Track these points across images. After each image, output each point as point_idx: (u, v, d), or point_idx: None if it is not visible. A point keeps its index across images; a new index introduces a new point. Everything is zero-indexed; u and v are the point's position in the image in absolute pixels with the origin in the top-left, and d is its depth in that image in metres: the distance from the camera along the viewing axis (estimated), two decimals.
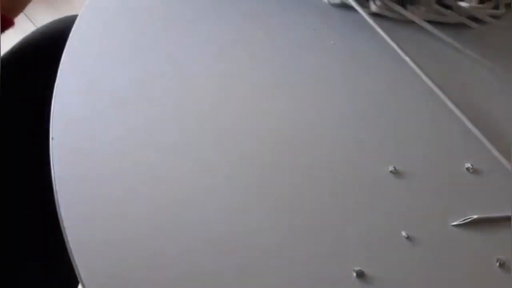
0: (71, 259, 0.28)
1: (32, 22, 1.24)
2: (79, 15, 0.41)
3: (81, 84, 0.36)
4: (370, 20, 0.36)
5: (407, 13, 0.37)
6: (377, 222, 0.31)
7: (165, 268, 0.28)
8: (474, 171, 0.33)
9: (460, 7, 0.39)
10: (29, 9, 1.20)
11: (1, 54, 0.44)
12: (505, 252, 0.30)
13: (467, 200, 0.32)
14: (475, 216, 0.31)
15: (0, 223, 0.42)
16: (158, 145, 0.33)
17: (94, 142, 0.33)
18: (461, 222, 0.31)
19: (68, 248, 0.28)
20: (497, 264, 0.29)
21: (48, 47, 0.39)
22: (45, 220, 0.38)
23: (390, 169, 0.33)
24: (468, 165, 0.33)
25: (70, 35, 0.39)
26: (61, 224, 0.29)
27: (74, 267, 0.28)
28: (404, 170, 0.33)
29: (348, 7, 0.38)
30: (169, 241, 0.29)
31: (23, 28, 1.17)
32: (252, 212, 0.30)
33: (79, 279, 0.27)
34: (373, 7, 0.38)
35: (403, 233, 0.30)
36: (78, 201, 0.30)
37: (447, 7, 0.39)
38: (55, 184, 0.30)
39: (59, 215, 0.30)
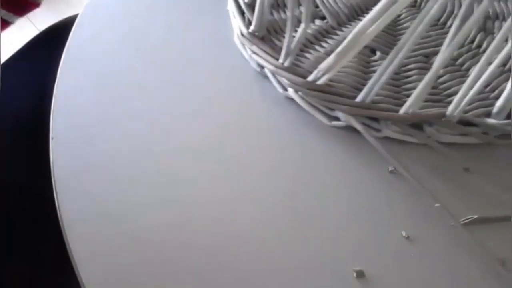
0: (71, 258, 0.28)
1: (31, 22, 1.24)
2: (79, 14, 0.41)
3: (81, 83, 0.36)
4: (379, 147, 0.33)
5: (426, 139, 0.33)
6: (377, 221, 0.31)
7: (165, 268, 0.28)
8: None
9: (487, 124, 0.33)
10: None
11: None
12: (505, 252, 0.30)
13: (467, 199, 0.32)
14: (475, 216, 0.31)
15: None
16: (158, 143, 0.33)
17: (94, 141, 0.33)
18: (461, 222, 0.31)
19: (68, 248, 0.28)
20: (498, 264, 0.29)
21: (52, 47, 0.39)
22: (44, 220, 0.38)
23: (390, 169, 0.33)
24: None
25: (70, 34, 0.39)
26: (61, 224, 0.29)
27: (74, 267, 0.28)
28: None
29: (354, 131, 0.34)
30: (170, 240, 0.29)
31: (22, 27, 1.18)
32: (252, 210, 0.31)
33: (79, 279, 0.28)
34: (387, 132, 0.34)
35: (403, 233, 0.30)
36: (78, 200, 0.30)
37: (470, 124, 0.34)
38: (55, 186, 0.31)
39: (59, 215, 0.30)
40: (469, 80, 0.31)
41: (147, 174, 0.32)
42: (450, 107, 0.33)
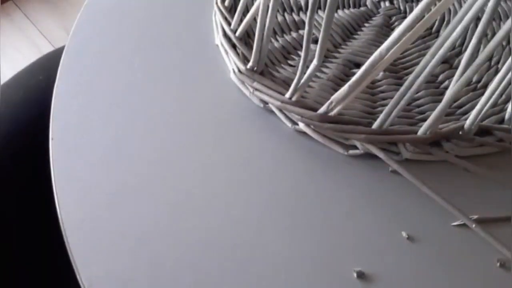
0: (71, 260, 0.29)
1: (31, 22, 1.17)
2: (78, 14, 0.41)
3: (81, 84, 0.36)
4: (404, 172, 0.32)
5: (446, 155, 0.33)
6: (378, 222, 0.31)
7: (165, 269, 0.29)
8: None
9: (504, 129, 0.33)
10: (28, 9, 1.13)
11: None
12: (505, 252, 0.30)
13: (466, 200, 0.32)
14: (475, 216, 0.31)
15: None
16: (158, 145, 0.34)
17: (94, 142, 0.33)
18: (461, 223, 0.31)
19: (68, 250, 0.29)
20: (498, 264, 0.30)
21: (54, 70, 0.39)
22: (45, 222, 0.38)
23: (390, 170, 0.33)
24: None
25: (70, 35, 0.39)
26: (61, 226, 0.30)
27: (74, 269, 0.28)
28: None
29: (371, 156, 0.33)
30: (170, 243, 0.30)
31: (21, 27, 1.11)
32: (252, 211, 0.31)
33: (79, 281, 0.28)
34: (407, 154, 0.33)
35: (404, 234, 0.31)
36: (78, 202, 0.31)
37: (488, 132, 0.33)
38: (55, 186, 0.31)
39: (59, 216, 0.30)
40: (487, 93, 0.31)
41: (149, 173, 0.32)
42: (468, 121, 0.33)
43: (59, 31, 1.16)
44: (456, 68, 0.36)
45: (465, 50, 0.37)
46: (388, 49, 0.28)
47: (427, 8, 0.26)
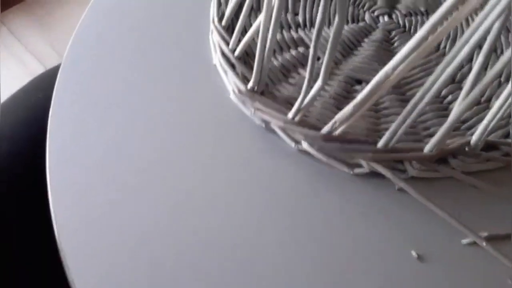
0: (65, 266, 0.29)
1: (16, 38, 1.15)
2: (79, 21, 0.41)
3: (80, 91, 0.37)
4: (411, 190, 0.32)
5: (452, 171, 0.32)
6: (386, 241, 0.31)
7: (165, 271, 0.29)
8: None
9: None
10: (13, 25, 1.11)
11: None
12: None
13: (475, 216, 0.32)
14: (485, 234, 0.31)
15: None
16: (156, 149, 0.34)
17: (90, 148, 0.34)
18: (471, 240, 0.31)
19: (62, 256, 0.29)
20: (510, 282, 0.30)
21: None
22: (39, 229, 0.38)
23: (397, 188, 0.33)
24: None
25: (70, 43, 0.40)
26: (55, 232, 0.30)
27: (68, 275, 0.29)
28: None
29: (377, 174, 0.33)
30: (169, 245, 0.30)
31: (7, 44, 1.09)
32: (255, 233, 0.31)
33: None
34: (413, 172, 0.32)
35: (413, 253, 0.31)
36: (72, 208, 0.31)
37: (494, 147, 0.33)
38: (51, 192, 0.32)
39: (53, 222, 0.31)
40: (494, 109, 0.30)
41: (145, 179, 0.33)
42: (475, 136, 0.32)
43: (45, 47, 1.15)
44: (459, 82, 0.36)
45: (467, 63, 0.37)
46: (394, 69, 0.28)
47: (434, 27, 0.26)
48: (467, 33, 0.26)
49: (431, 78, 0.28)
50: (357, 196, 0.33)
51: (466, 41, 0.26)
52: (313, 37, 0.27)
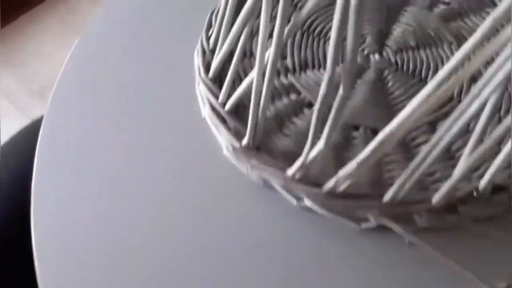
0: None
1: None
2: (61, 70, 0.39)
3: (64, 148, 0.35)
4: (420, 243, 0.30)
5: (461, 220, 0.31)
6: None
7: None
8: None
9: None
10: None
11: None
12: None
13: (489, 264, 0.31)
14: (504, 284, 0.30)
15: None
16: (151, 230, 0.32)
17: (78, 218, 0.32)
18: None
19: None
20: None
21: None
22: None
23: (407, 241, 0.31)
24: None
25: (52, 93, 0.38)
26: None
27: None
28: None
29: (386, 227, 0.31)
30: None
31: None
32: None
33: None
34: (422, 223, 0.31)
35: None
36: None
37: (502, 188, 0.32)
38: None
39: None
40: (503, 153, 0.29)
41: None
42: (483, 182, 0.31)
43: (13, 82, 1.11)
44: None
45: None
46: (400, 127, 0.26)
47: (440, 85, 0.24)
48: (479, 84, 0.24)
49: (439, 132, 0.27)
50: (367, 251, 0.32)
51: (477, 95, 0.24)
52: (316, 106, 0.26)
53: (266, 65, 0.29)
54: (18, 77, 1.11)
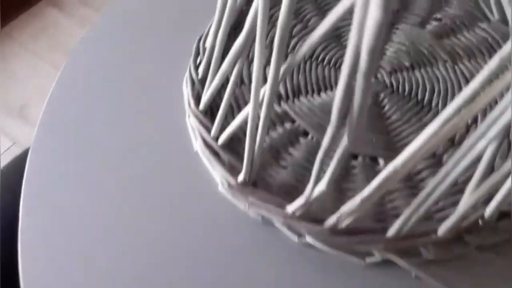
0: None
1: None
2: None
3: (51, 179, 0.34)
4: (426, 277, 0.30)
5: (468, 250, 0.31)
6: None
7: None
8: None
9: None
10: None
11: None
12: None
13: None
14: None
15: None
16: (148, 273, 0.28)
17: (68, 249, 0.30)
18: None
19: None
20: None
21: None
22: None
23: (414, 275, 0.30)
24: None
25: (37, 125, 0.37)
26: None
27: None
28: None
29: (391, 261, 0.30)
30: None
31: None
32: None
33: None
34: (428, 255, 0.30)
35: None
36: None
37: (507, 215, 0.30)
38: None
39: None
40: (508, 183, 0.28)
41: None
42: (489, 209, 0.30)
43: None
44: None
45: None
46: (404, 164, 0.25)
47: (444, 123, 0.23)
48: (485, 122, 0.23)
49: (444, 168, 0.26)
50: (372, 286, 0.31)
51: (482, 135, 0.23)
52: (319, 154, 0.24)
53: (261, 101, 0.27)
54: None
